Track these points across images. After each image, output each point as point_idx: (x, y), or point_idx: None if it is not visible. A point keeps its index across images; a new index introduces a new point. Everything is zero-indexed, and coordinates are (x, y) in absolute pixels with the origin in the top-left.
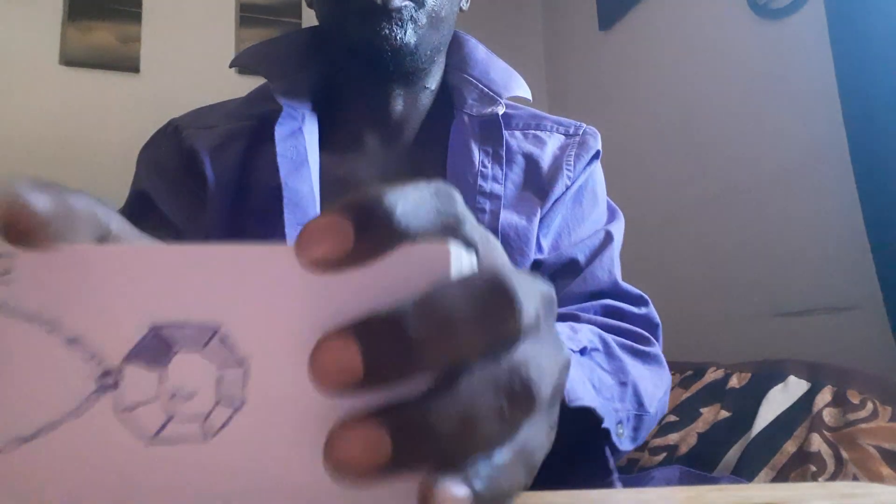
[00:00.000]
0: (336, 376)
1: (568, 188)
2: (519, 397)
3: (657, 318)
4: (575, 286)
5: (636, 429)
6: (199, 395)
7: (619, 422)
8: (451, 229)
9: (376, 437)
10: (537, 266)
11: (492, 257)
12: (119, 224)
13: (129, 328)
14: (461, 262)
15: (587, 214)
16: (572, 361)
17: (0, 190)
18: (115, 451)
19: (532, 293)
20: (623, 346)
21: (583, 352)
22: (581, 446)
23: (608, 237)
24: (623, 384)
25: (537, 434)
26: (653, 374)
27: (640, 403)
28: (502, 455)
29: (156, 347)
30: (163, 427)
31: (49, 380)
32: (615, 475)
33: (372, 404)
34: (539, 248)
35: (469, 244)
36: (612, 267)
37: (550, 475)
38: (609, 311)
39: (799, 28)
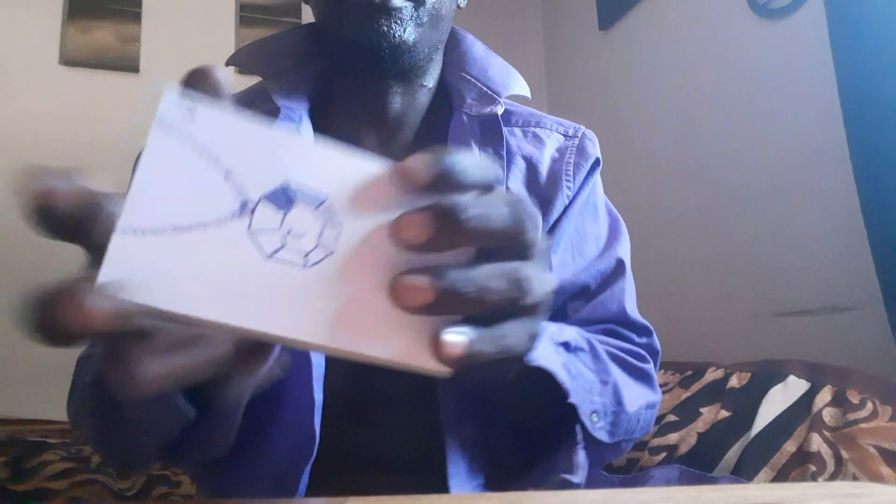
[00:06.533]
0: (410, 233)
1: (569, 205)
2: (516, 288)
3: (657, 347)
4: (584, 312)
5: (614, 424)
6: (305, 238)
7: (595, 412)
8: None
9: (424, 284)
10: None
11: None
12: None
13: (271, 179)
14: None
15: (589, 230)
16: (551, 348)
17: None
18: (239, 260)
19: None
20: (611, 355)
21: (566, 346)
22: (561, 428)
23: (620, 266)
24: (604, 382)
25: (521, 329)
26: (638, 387)
27: (619, 402)
28: (498, 327)
29: (284, 197)
30: (276, 251)
31: (199, 197)
32: (580, 445)
33: (427, 264)
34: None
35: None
36: (622, 297)
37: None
38: (609, 333)
39: (799, 28)
